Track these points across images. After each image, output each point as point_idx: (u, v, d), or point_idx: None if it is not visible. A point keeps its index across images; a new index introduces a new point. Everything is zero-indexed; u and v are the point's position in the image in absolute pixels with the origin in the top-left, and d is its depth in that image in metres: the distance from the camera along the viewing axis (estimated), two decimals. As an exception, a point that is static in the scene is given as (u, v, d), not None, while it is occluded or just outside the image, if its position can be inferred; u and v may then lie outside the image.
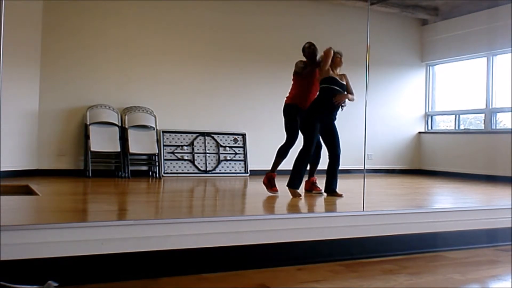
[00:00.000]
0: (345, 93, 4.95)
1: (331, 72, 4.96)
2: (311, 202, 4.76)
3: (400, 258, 3.63)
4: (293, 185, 4.78)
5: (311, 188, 5.22)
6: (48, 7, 6.78)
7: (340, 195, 4.89)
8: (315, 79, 5.10)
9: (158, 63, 7.43)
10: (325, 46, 5.02)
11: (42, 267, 2.69)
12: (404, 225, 3.83)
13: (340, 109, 5.01)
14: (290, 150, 5.07)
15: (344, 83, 4.99)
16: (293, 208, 4.47)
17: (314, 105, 4.95)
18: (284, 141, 5.11)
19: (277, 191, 4.95)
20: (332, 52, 4.97)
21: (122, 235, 2.94)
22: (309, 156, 4.86)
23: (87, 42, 7.00)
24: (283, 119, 5.18)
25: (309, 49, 5.18)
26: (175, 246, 3.04)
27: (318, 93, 5.02)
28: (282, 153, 5.07)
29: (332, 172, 4.98)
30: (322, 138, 5.11)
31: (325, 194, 5.00)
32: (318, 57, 5.15)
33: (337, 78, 4.97)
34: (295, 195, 4.74)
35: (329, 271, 3.24)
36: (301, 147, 4.89)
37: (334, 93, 4.89)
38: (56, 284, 2.60)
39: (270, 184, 5.02)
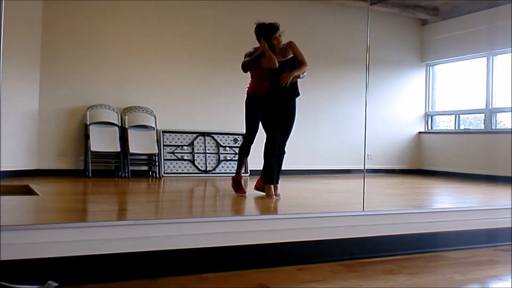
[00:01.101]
0: (290, 70, 4.52)
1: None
2: (311, 202, 4.76)
3: (400, 258, 3.63)
4: (268, 182, 4.61)
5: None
6: (48, 6, 6.77)
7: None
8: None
9: (158, 63, 7.42)
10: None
11: (42, 267, 2.69)
12: (404, 225, 3.83)
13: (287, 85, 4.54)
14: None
15: (291, 55, 4.58)
16: (293, 208, 4.47)
17: (267, 95, 4.66)
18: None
19: (245, 193, 4.83)
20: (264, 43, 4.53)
21: (122, 235, 2.94)
22: (274, 145, 4.57)
23: (87, 41, 7.00)
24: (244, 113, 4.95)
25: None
26: (175, 246, 3.04)
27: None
28: (244, 152, 4.95)
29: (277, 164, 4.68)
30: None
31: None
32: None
33: (280, 58, 4.53)
34: (269, 193, 4.57)
35: (329, 271, 3.24)
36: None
37: (279, 74, 4.49)
38: (56, 284, 2.60)
39: (237, 188, 4.90)
